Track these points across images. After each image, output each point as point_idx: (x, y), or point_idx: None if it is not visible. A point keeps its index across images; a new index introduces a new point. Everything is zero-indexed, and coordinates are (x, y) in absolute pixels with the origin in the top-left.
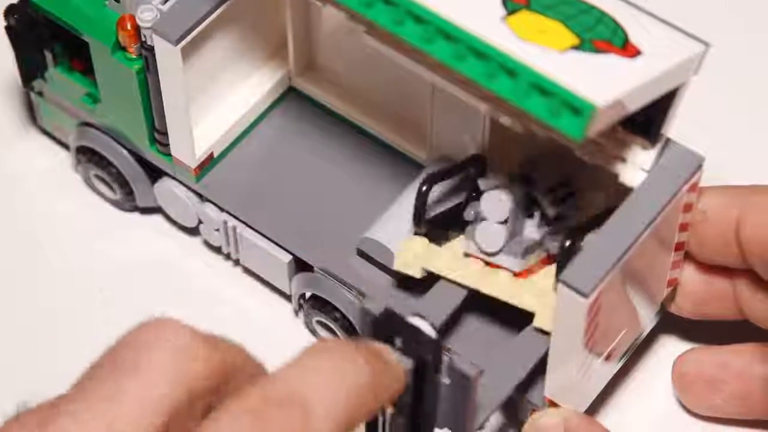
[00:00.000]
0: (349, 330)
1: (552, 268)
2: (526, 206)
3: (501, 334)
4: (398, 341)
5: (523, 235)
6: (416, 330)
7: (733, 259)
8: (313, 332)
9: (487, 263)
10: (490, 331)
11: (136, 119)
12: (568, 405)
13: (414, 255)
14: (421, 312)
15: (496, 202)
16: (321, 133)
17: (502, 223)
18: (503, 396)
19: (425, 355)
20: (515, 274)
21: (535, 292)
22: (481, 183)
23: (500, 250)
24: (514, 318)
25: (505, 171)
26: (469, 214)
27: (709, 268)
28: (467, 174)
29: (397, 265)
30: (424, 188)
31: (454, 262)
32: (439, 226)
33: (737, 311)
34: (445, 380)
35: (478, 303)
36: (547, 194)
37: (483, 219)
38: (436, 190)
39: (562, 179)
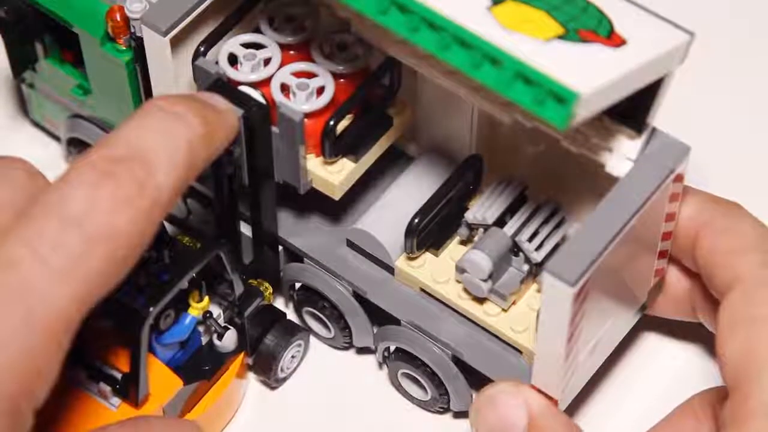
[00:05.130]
0: (338, 318)
1: (533, 291)
2: (512, 248)
3: None
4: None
5: (510, 272)
6: (247, 96)
7: (690, 264)
8: (304, 321)
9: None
10: None
11: (126, 110)
12: (553, 395)
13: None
14: None
15: (475, 265)
16: None
17: (485, 280)
18: None
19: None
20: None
21: (518, 326)
22: (469, 215)
23: (486, 295)
24: None
25: (501, 175)
26: (462, 232)
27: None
28: (465, 180)
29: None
30: (416, 221)
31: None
32: (435, 234)
33: (692, 312)
34: (275, 129)
35: None
36: (531, 239)
37: (466, 271)
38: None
39: (553, 204)
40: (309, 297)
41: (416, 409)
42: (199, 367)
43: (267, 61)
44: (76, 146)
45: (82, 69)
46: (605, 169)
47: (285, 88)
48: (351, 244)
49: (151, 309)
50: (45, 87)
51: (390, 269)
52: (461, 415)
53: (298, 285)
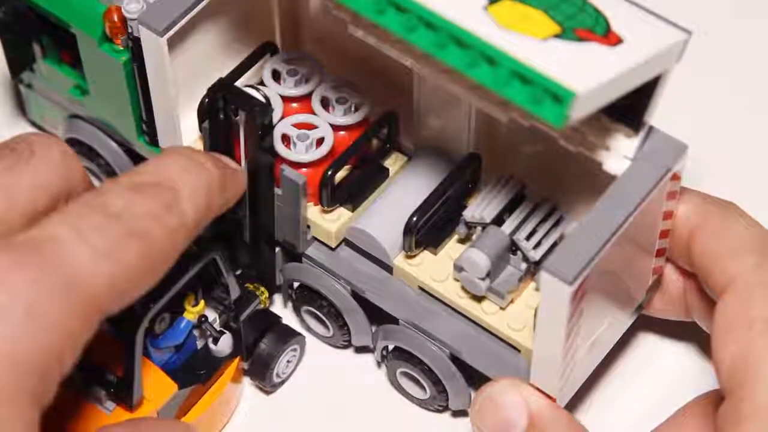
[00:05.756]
0: (336, 317)
1: (531, 289)
2: (510, 247)
3: None
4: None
5: (508, 271)
6: (250, 97)
7: (685, 264)
8: (302, 321)
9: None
10: None
11: (124, 111)
12: (552, 393)
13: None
14: None
15: (473, 263)
16: None
17: (483, 278)
18: None
19: (261, 120)
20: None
21: (516, 324)
22: (467, 213)
23: (484, 293)
24: None
25: (499, 173)
26: (460, 230)
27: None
28: (463, 179)
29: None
30: (414, 219)
31: (445, 281)
32: (433, 233)
33: (687, 312)
34: (278, 190)
35: None
36: (529, 238)
37: (464, 270)
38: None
39: (551, 203)
40: (307, 296)
41: (415, 408)
42: (194, 371)
43: None
44: (75, 146)
45: (79, 69)
46: (603, 167)
47: (286, 139)
48: (349, 243)
49: (146, 312)
50: (43, 87)
51: (388, 268)
52: (460, 413)
53: (296, 284)
